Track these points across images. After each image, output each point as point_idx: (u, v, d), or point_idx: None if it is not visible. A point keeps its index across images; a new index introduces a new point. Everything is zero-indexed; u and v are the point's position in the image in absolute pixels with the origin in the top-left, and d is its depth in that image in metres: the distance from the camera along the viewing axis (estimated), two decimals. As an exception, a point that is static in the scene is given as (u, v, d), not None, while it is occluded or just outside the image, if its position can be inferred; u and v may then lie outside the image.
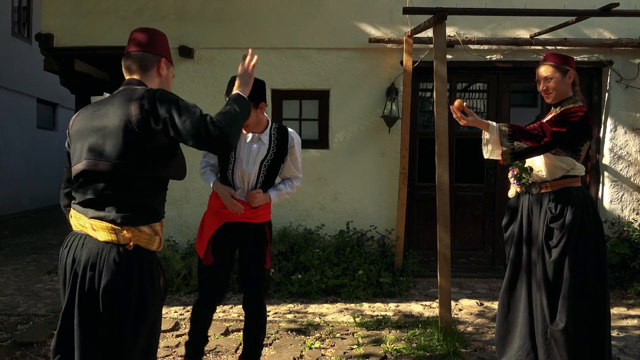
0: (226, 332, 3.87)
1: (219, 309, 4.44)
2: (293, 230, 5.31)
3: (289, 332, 3.92)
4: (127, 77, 2.02)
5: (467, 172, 5.88)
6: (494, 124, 2.88)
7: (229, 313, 4.36)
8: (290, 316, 4.30)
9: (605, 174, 5.41)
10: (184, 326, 4.01)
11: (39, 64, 6.53)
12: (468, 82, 6.41)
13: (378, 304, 4.64)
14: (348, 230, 5.32)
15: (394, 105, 5.19)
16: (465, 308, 4.57)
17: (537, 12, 4.20)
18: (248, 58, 2.11)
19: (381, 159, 5.43)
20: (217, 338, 3.76)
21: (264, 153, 2.82)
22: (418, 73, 5.24)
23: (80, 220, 1.88)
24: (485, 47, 5.33)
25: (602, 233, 2.85)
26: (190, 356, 2.95)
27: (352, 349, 3.57)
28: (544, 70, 2.90)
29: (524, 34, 5.29)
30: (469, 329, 4.05)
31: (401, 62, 5.23)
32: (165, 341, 3.70)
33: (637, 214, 5.36)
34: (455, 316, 4.30)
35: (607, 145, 5.39)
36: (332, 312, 4.40)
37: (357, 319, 4.11)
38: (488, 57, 5.37)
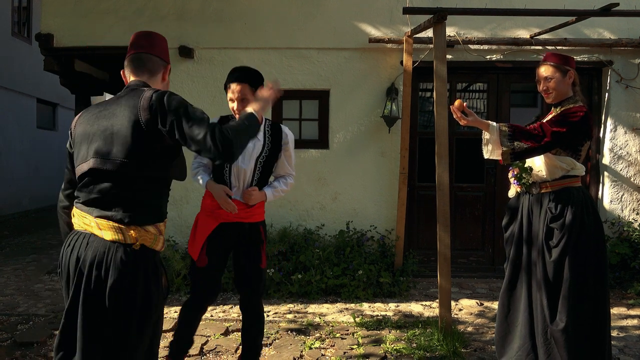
0: (226, 332, 3.87)
1: (219, 309, 4.44)
2: (293, 230, 5.30)
3: (289, 332, 3.92)
4: (130, 77, 2.03)
5: (467, 172, 5.88)
6: (494, 124, 2.88)
7: (229, 313, 4.36)
8: (290, 316, 4.31)
9: (605, 174, 5.41)
10: (184, 326, 4.01)
11: (39, 64, 6.53)
12: (468, 82, 6.41)
13: (378, 304, 4.64)
14: (348, 230, 5.32)
15: (394, 105, 5.19)
16: (465, 308, 4.57)
17: (537, 12, 4.20)
18: (276, 88, 2.17)
19: (381, 159, 5.43)
20: (217, 338, 3.75)
21: (259, 149, 2.81)
22: (418, 73, 5.24)
23: (85, 220, 1.87)
24: (485, 47, 5.33)
25: (602, 233, 2.86)
26: (173, 356, 2.92)
27: (352, 349, 3.57)
28: (544, 70, 2.90)
29: (524, 34, 5.29)
30: (469, 329, 4.05)
31: (401, 62, 5.23)
32: (165, 341, 3.68)
33: (637, 214, 5.37)
34: (455, 316, 4.30)
35: (607, 145, 5.39)
36: (332, 312, 4.40)
37: (357, 319, 4.11)
38: (488, 57, 5.37)
